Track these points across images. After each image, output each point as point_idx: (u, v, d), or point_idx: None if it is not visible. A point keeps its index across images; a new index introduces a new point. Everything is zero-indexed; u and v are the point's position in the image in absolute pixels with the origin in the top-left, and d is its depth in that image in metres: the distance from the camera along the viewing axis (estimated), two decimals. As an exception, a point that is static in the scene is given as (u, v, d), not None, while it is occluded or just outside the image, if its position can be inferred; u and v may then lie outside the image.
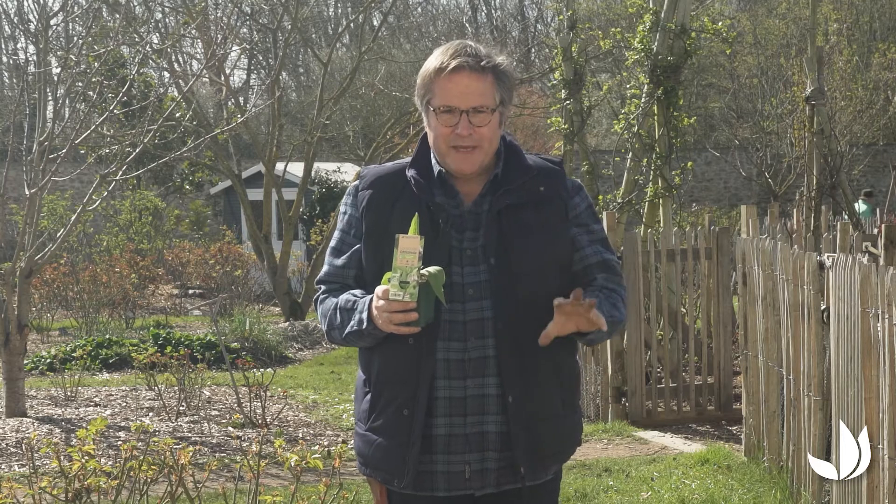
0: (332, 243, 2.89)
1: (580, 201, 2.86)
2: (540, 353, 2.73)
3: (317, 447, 6.97)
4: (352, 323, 2.72)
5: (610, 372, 8.12)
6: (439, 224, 2.73)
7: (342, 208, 2.90)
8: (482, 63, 2.72)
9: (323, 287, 2.87)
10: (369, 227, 2.80)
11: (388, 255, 2.66)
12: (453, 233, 2.74)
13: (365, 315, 2.68)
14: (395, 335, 2.68)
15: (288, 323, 14.12)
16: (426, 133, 2.84)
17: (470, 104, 2.70)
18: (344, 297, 2.78)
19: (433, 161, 2.81)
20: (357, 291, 2.78)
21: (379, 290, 2.63)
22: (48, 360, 10.79)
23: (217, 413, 8.54)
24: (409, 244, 2.59)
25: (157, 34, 16.76)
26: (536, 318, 2.71)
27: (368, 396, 2.81)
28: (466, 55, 2.72)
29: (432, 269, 2.62)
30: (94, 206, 8.83)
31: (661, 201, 9.68)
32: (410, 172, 2.81)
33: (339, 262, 2.85)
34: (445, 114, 2.72)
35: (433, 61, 2.75)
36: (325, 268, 2.89)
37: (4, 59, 33.56)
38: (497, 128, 2.78)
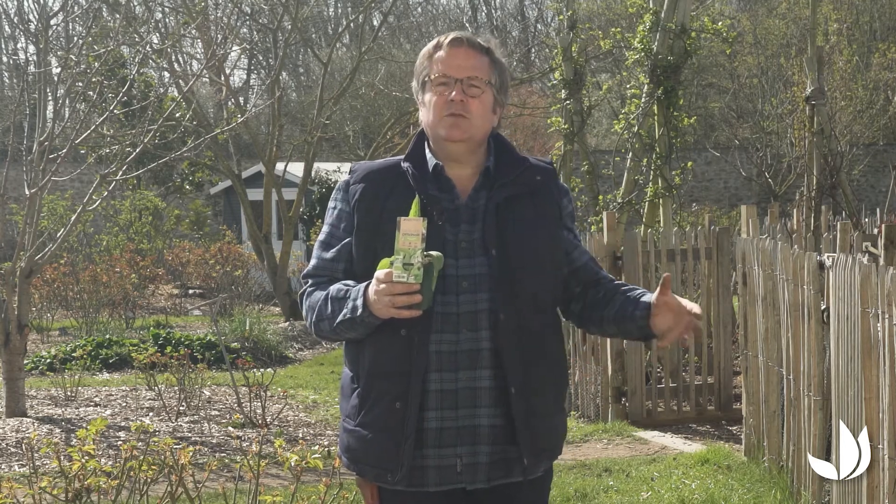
0: (321, 237, 2.88)
1: (568, 204, 2.92)
2: (536, 346, 2.76)
3: (317, 447, 6.97)
4: (344, 311, 2.69)
5: (610, 372, 8.12)
6: (433, 216, 2.74)
7: (331, 203, 2.89)
8: (478, 42, 2.84)
9: (310, 280, 2.85)
10: (361, 221, 2.79)
11: (381, 248, 2.68)
12: (447, 226, 2.75)
13: (360, 302, 2.65)
14: (387, 327, 2.67)
15: (288, 323, 14.13)
16: (422, 129, 2.87)
17: (465, 74, 2.78)
18: (335, 287, 2.76)
19: (428, 155, 2.84)
20: (349, 282, 2.76)
21: (380, 273, 2.61)
22: (48, 360, 10.80)
23: (217, 413, 8.54)
24: (412, 226, 2.58)
25: (157, 34, 16.74)
26: (535, 311, 2.75)
27: (358, 391, 2.79)
28: (464, 34, 2.85)
29: (434, 252, 2.61)
30: (94, 206, 8.83)
31: (661, 201, 9.68)
32: (405, 165, 2.82)
33: (329, 255, 2.83)
34: (441, 85, 2.79)
35: (431, 42, 2.86)
36: (312, 261, 2.87)
37: (4, 59, 33.59)
38: (489, 108, 2.83)
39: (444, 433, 2.72)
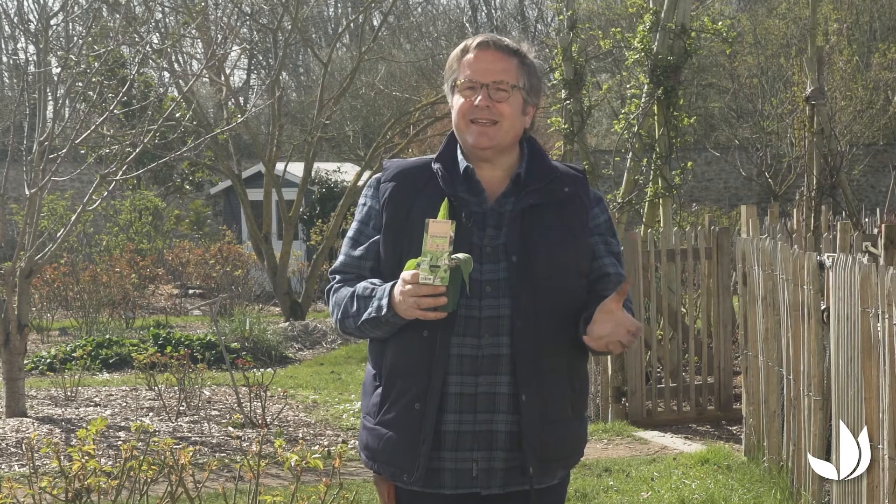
0: (350, 234, 2.88)
1: (600, 212, 2.88)
2: (555, 355, 2.74)
3: (317, 447, 6.98)
4: (369, 310, 2.70)
5: (610, 372, 8.12)
6: (462, 218, 2.73)
7: (362, 200, 2.89)
8: (506, 44, 2.81)
9: (337, 277, 2.85)
10: (390, 219, 2.79)
11: (407, 247, 2.68)
12: (474, 229, 2.75)
13: (385, 301, 2.65)
14: (410, 327, 2.68)
15: (288, 323, 14.12)
16: (454, 131, 2.86)
17: (491, 78, 2.76)
18: (361, 285, 2.76)
19: (459, 157, 2.82)
20: (375, 280, 2.76)
21: (406, 274, 2.61)
22: (48, 360, 10.79)
23: (217, 413, 8.54)
24: (440, 228, 2.58)
25: (157, 34, 16.75)
26: (554, 319, 2.73)
27: (379, 390, 2.79)
28: (492, 37, 2.82)
29: (461, 255, 2.61)
30: (94, 206, 8.83)
31: (661, 201, 9.68)
32: (436, 166, 2.81)
33: (357, 252, 2.83)
34: (467, 89, 2.77)
35: (460, 46, 2.84)
36: (340, 258, 2.88)
37: (4, 59, 33.58)
38: (519, 111, 2.79)
39: (462, 437, 2.72)
